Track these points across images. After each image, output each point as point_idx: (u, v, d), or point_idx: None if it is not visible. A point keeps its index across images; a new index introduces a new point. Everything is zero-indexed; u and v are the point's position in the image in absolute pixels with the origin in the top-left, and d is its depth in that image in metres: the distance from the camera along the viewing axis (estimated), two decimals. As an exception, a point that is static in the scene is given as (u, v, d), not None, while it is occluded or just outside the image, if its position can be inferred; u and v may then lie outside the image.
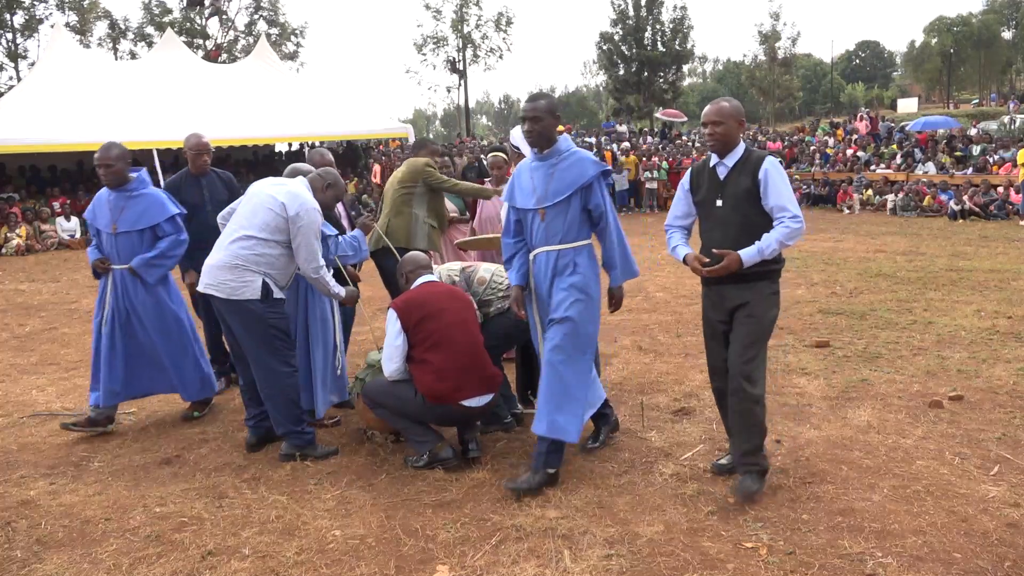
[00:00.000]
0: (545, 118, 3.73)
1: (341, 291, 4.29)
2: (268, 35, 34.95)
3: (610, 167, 3.73)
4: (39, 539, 3.37)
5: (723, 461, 3.80)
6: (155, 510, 3.61)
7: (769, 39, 48.88)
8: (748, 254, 3.40)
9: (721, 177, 3.57)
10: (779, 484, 3.62)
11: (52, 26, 30.88)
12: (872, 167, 19.62)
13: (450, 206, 6.19)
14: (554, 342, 3.69)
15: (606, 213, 3.84)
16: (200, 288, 4.12)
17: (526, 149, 4.85)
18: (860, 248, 11.72)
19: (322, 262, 4.13)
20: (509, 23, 43.64)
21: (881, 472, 3.71)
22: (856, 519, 3.25)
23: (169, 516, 3.54)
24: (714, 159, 3.61)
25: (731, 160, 3.55)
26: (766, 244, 3.39)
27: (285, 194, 4.05)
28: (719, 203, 3.57)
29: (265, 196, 4.07)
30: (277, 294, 4.10)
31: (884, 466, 3.78)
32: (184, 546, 3.25)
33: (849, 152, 20.80)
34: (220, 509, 3.59)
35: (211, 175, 5.43)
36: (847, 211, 17.64)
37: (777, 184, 3.46)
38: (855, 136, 22.47)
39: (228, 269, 4.01)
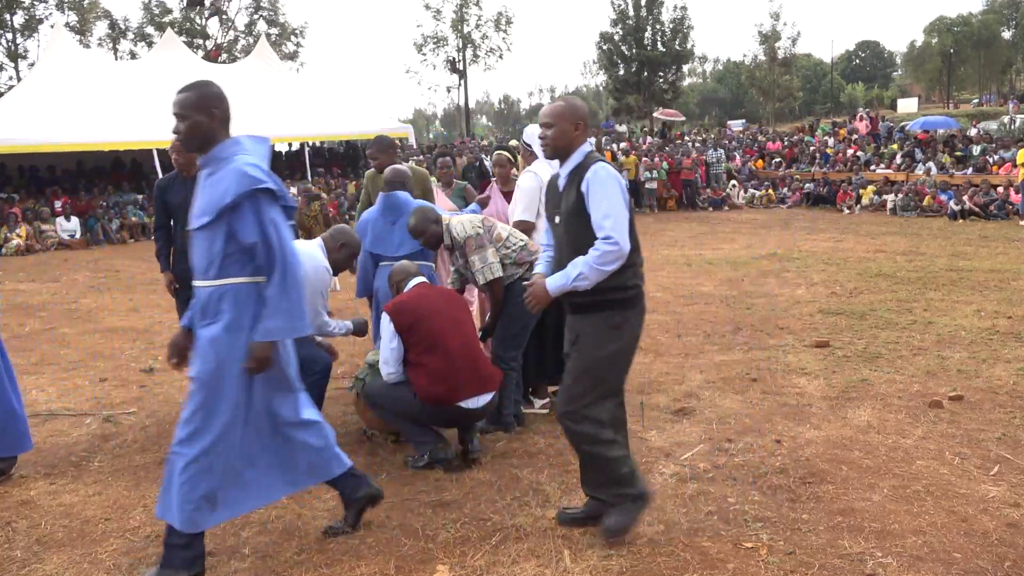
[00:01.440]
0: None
1: (348, 326, 4.36)
2: (268, 35, 34.94)
3: (267, 184, 2.80)
4: (39, 539, 3.37)
5: (570, 510, 3.33)
6: (155, 510, 3.60)
7: (769, 39, 48.83)
8: (554, 283, 3.00)
9: (560, 189, 3.14)
10: (779, 484, 3.62)
11: (52, 26, 30.92)
12: (872, 167, 19.62)
13: (450, 206, 6.18)
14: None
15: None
16: None
17: (539, 148, 4.84)
18: (860, 248, 11.72)
19: (324, 317, 4.18)
20: (509, 23, 43.62)
21: (881, 472, 3.71)
22: (856, 519, 3.25)
23: (169, 516, 3.53)
24: (559, 168, 3.18)
25: (566, 169, 3.11)
26: (575, 271, 2.95)
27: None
28: (556, 220, 3.16)
29: None
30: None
31: (884, 466, 3.78)
32: (184, 546, 3.24)
33: (849, 152, 20.79)
34: (220, 509, 3.59)
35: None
36: (847, 211, 17.64)
37: (598, 196, 2.96)
38: (855, 136, 22.47)
39: None
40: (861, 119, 24.12)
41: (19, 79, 33.92)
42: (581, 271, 2.94)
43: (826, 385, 5.11)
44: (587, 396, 3.07)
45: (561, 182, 3.14)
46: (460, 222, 4.35)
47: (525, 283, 4.17)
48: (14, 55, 38.61)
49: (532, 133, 4.93)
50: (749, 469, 3.81)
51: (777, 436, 4.22)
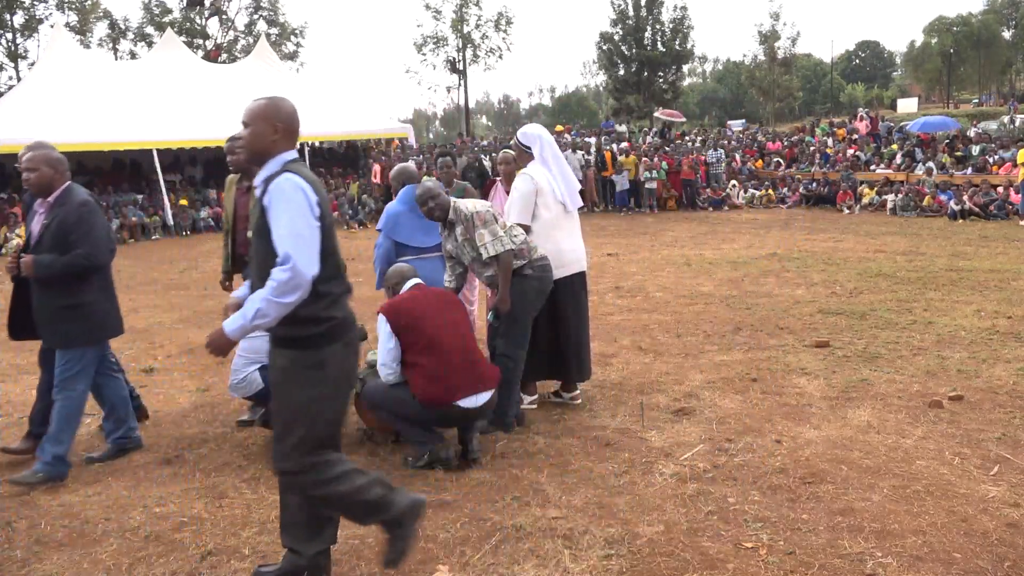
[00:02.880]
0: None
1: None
2: (268, 35, 34.96)
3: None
4: (39, 539, 3.37)
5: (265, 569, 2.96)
6: (155, 510, 3.61)
7: (769, 39, 48.85)
8: (232, 326, 2.55)
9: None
10: (779, 484, 3.62)
11: (52, 26, 30.92)
12: (872, 167, 19.61)
13: None
14: None
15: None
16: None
17: (537, 148, 4.83)
18: (860, 248, 11.72)
19: None
20: (509, 23, 43.63)
21: (881, 472, 3.71)
22: (856, 519, 3.25)
23: (169, 516, 3.54)
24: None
25: (259, 179, 2.67)
26: (252, 307, 2.51)
27: None
28: (250, 234, 2.85)
29: None
30: None
31: (884, 466, 3.78)
32: (184, 546, 3.25)
33: (850, 152, 20.78)
34: (220, 509, 3.59)
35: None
36: (847, 211, 17.64)
37: (278, 212, 2.52)
38: (855, 136, 22.46)
39: (237, 371, 4.26)
40: (861, 119, 24.09)
41: (19, 79, 33.93)
42: (259, 307, 2.49)
43: (826, 385, 5.11)
44: (298, 451, 2.63)
45: (257, 193, 2.65)
46: (470, 200, 4.42)
47: (525, 275, 4.22)
48: (14, 55, 38.61)
49: (527, 133, 4.93)
50: (749, 469, 3.81)
51: (777, 436, 4.22)
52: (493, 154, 21.43)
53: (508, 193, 6.04)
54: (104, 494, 3.82)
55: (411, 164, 5.25)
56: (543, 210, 4.74)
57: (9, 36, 38.52)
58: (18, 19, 38.32)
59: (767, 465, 3.84)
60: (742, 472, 3.77)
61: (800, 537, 3.13)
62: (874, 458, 3.88)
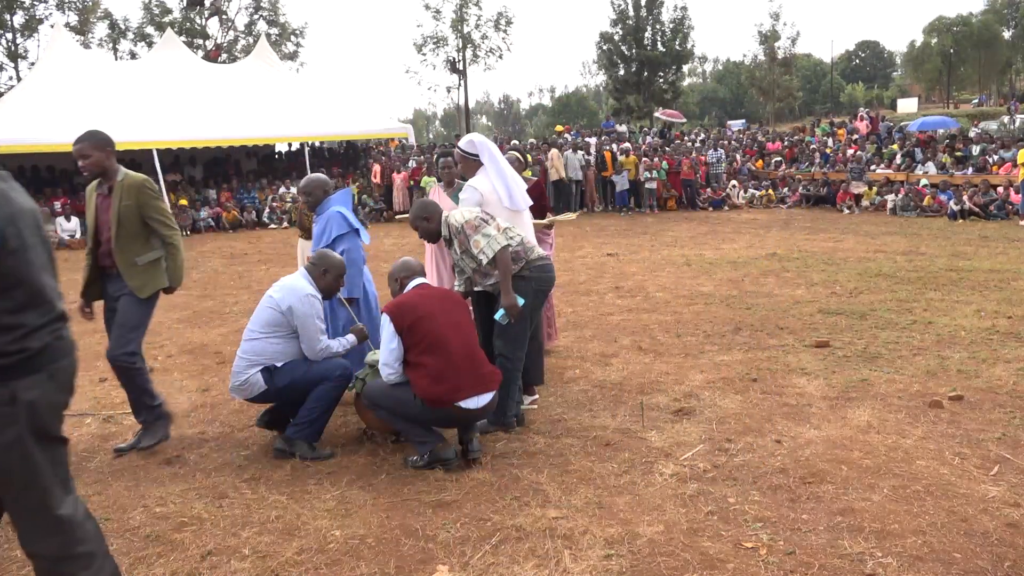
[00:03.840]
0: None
1: (352, 339, 4.44)
2: (268, 35, 34.93)
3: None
4: (39, 539, 3.37)
5: None
6: (155, 510, 3.61)
7: (769, 39, 48.85)
8: None
9: None
10: (779, 484, 3.62)
11: (52, 26, 30.91)
12: (872, 167, 19.62)
13: (451, 205, 6.19)
14: None
15: None
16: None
17: (485, 156, 4.85)
18: (860, 248, 11.72)
19: (324, 342, 4.22)
20: (509, 23, 43.63)
21: (881, 472, 3.71)
22: (856, 519, 3.25)
23: (169, 516, 3.54)
24: None
25: None
26: None
27: (279, 289, 4.24)
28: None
29: (265, 297, 4.28)
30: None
31: (884, 466, 3.78)
32: (184, 546, 3.25)
33: (849, 152, 20.78)
34: (220, 509, 3.59)
35: None
36: (847, 211, 17.64)
37: None
38: (856, 136, 22.46)
39: (238, 372, 4.21)
40: (861, 119, 24.09)
41: (19, 79, 33.93)
42: None
43: (826, 385, 5.11)
44: (28, 520, 2.24)
45: None
46: (458, 210, 4.40)
47: (523, 277, 4.24)
48: (14, 55, 38.61)
49: (474, 142, 4.90)
50: (749, 469, 3.81)
51: (777, 436, 4.22)
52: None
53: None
54: (104, 494, 3.82)
55: (321, 174, 5.27)
56: None
57: (9, 36, 38.53)
58: (18, 19, 38.33)
59: (767, 465, 3.84)
60: (742, 472, 3.77)
61: (800, 537, 3.13)
62: (874, 458, 3.88)
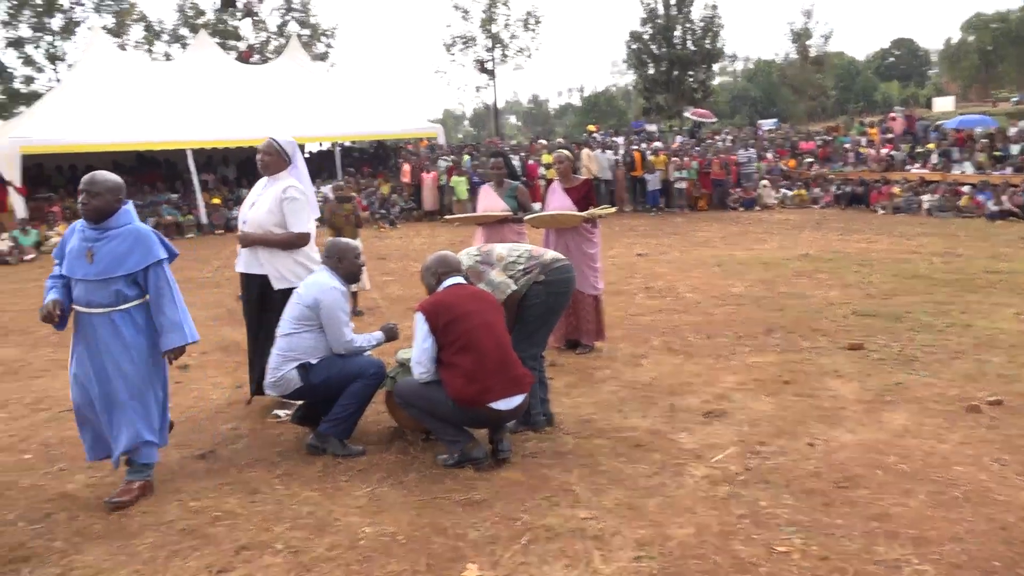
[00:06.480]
0: None
1: (380, 336, 4.49)
2: (299, 36, 35.22)
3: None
4: (78, 531, 3.44)
5: None
6: (190, 504, 3.66)
7: (801, 37, 48.23)
8: None
9: None
10: (812, 488, 3.57)
11: (90, 28, 31.50)
12: (908, 167, 19.28)
13: (501, 205, 6.25)
14: None
15: None
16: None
17: (298, 159, 4.92)
18: (895, 249, 11.53)
19: (349, 336, 4.27)
20: (538, 22, 43.57)
21: (918, 477, 3.65)
22: (892, 525, 3.20)
23: (203, 510, 3.59)
24: None
25: None
26: None
27: (304, 285, 4.36)
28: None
29: (293, 294, 4.40)
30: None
31: (921, 471, 3.71)
32: (218, 540, 3.30)
33: (884, 151, 20.43)
34: (253, 504, 3.64)
35: None
36: (881, 211, 17.36)
37: None
38: (890, 135, 22.07)
39: (274, 369, 4.28)
40: (894, 118, 23.65)
41: (58, 80, 34.63)
42: None
43: (861, 388, 5.03)
44: None
45: None
46: (464, 254, 4.45)
47: (541, 282, 4.22)
48: (53, 57, 39.41)
49: (292, 143, 4.93)
50: (782, 472, 3.76)
51: (810, 439, 4.17)
52: (522, 154, 21.43)
53: (564, 191, 6.19)
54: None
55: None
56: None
57: (48, 39, 39.33)
58: (57, 22, 39.11)
59: (800, 468, 3.79)
60: (775, 475, 3.73)
61: (834, 542, 3.09)
62: (910, 463, 3.81)
